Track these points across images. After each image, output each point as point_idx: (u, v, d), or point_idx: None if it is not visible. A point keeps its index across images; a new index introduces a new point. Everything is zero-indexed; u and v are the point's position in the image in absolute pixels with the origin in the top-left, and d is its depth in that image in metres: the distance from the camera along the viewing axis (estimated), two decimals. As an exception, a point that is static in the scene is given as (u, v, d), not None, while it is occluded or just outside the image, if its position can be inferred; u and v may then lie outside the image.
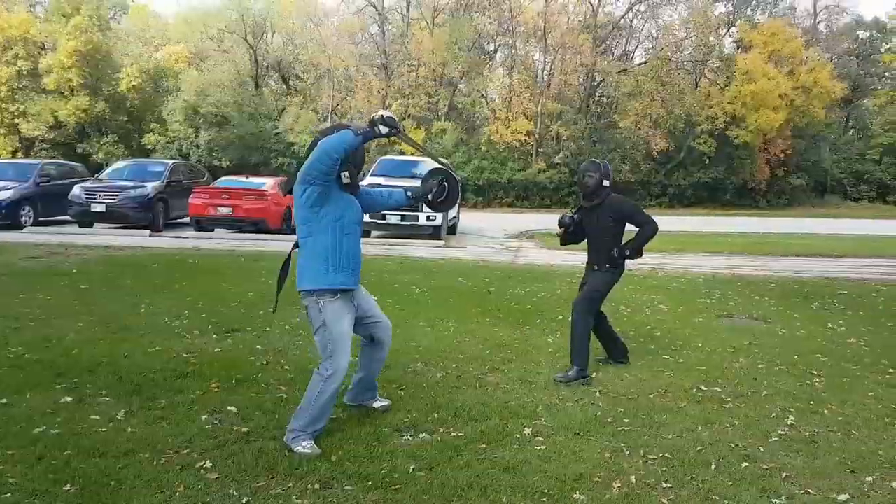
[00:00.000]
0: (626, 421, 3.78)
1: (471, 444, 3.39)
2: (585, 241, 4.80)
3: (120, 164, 15.35)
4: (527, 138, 28.23)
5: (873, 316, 6.86)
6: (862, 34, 38.29)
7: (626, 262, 4.67)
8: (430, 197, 3.80)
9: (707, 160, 28.53)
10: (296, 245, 3.35)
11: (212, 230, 12.85)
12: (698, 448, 3.43)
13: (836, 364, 5.06)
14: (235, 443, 3.34)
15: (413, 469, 3.09)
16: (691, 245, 12.71)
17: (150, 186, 13.19)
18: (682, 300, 7.34)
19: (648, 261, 10.53)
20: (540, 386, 4.36)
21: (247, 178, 14.47)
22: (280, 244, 11.58)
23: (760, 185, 29.63)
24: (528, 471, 3.13)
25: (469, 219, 19.48)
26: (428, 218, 12.38)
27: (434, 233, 12.60)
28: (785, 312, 6.89)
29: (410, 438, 3.46)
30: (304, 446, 3.21)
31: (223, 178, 15.23)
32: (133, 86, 29.56)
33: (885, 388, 4.50)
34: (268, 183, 13.32)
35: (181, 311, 6.16)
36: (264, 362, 4.66)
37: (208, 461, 3.12)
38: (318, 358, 3.46)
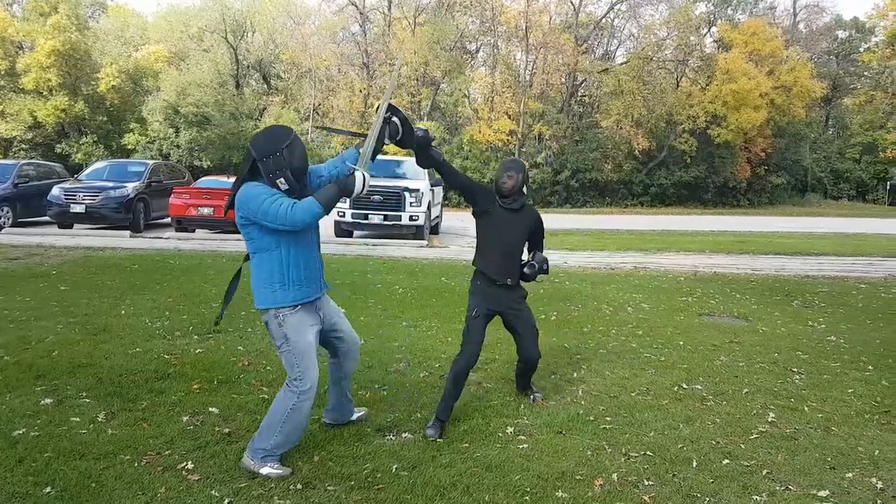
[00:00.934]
0: (608, 419, 3.81)
1: (453, 444, 3.40)
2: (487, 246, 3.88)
3: (99, 164, 15.13)
4: (509, 138, 28.30)
5: (852, 313, 6.97)
6: (841, 34, 38.92)
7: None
8: (387, 140, 3.27)
9: (688, 159, 28.80)
10: (247, 257, 3.16)
11: (193, 231, 12.71)
12: (679, 445, 3.46)
13: (816, 361, 5.13)
14: (217, 444, 3.32)
15: (396, 469, 3.09)
16: (672, 244, 12.82)
17: (130, 187, 13.01)
18: (664, 299, 7.40)
19: (629, 259, 10.64)
20: (523, 385, 4.37)
21: (228, 178, 14.34)
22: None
23: (741, 184, 29.98)
24: (510, 469, 3.14)
25: (452, 218, 19.48)
26: (411, 218, 12.36)
27: (417, 232, 12.57)
28: (766, 310, 6.97)
29: (393, 438, 3.46)
30: (273, 467, 3.00)
31: (204, 178, 15.08)
32: (112, 86, 29.15)
33: (865, 385, 4.57)
34: (250, 183, 13.22)
35: (162, 312, 6.10)
36: (246, 363, 4.62)
37: (190, 462, 3.10)
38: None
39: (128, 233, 12.39)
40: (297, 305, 3.05)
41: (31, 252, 9.72)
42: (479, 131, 28.01)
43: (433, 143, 3.59)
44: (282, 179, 2.94)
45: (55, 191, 12.80)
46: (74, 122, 29.47)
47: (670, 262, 10.59)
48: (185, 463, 3.09)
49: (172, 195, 12.52)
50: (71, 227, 12.98)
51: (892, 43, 34.36)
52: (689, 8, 30.06)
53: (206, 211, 12.17)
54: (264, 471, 3.00)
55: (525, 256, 4.00)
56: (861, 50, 36.86)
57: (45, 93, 28.77)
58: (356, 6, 29.54)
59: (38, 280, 7.56)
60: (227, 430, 3.47)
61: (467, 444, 3.40)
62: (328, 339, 3.38)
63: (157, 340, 5.20)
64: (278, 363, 4.63)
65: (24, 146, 29.05)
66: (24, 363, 4.46)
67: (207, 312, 6.17)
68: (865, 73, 35.81)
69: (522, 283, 3.97)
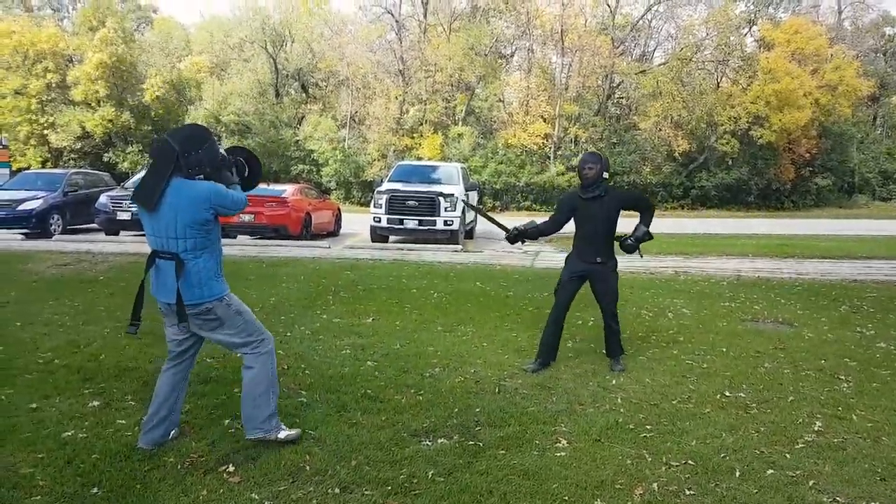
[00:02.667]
0: (648, 427, 3.74)
1: (490, 450, 3.39)
2: (581, 234, 4.74)
3: (144, 172, 15.59)
4: (544, 141, 28.13)
5: (903, 319, 6.70)
6: (889, 30, 37.56)
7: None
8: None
9: (730, 161, 28.15)
10: (151, 262, 3.23)
11: (234, 237, 12.98)
12: (722, 455, 3.38)
13: (865, 369, 4.95)
14: (256, 447, 3.37)
15: (432, 474, 3.09)
16: (714, 247, 12.53)
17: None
18: (705, 304, 7.24)
19: (670, 264, 10.43)
20: (559, 391, 4.33)
21: (268, 185, 14.62)
22: (301, 250, 11.68)
23: (785, 186, 29.14)
24: (548, 477, 3.11)
25: (487, 223, 19.45)
26: (445, 223, 12.39)
27: (451, 237, 12.59)
28: (812, 316, 6.76)
29: (430, 444, 3.46)
30: (285, 430, 3.37)
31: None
32: (157, 96, 30.08)
33: (916, 393, 4.39)
34: (288, 190, 13.45)
35: (204, 318, 6.24)
36: (285, 367, 4.69)
37: (231, 465, 3.16)
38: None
39: (171, 239, 12.71)
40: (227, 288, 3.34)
41: (79, 258, 10.07)
42: (514, 135, 27.92)
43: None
44: (200, 176, 3.12)
45: (102, 199, 13.24)
46: (121, 132, 30.50)
47: (712, 266, 10.36)
48: (226, 466, 3.15)
49: (214, 202, 12.81)
50: (118, 233, 13.40)
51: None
52: (729, 7, 29.42)
53: (246, 218, 12.43)
54: (282, 435, 3.32)
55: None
56: (911, 46, 35.54)
57: (93, 104, 29.86)
58: (392, 14, 29.81)
59: (87, 285, 7.83)
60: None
61: (504, 451, 3.38)
62: (192, 352, 3.51)
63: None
64: (316, 367, 4.70)
65: (73, 156, 30.18)
66: (72, 366, 4.63)
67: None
68: (916, 70, 34.49)
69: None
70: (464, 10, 31.14)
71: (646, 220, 4.73)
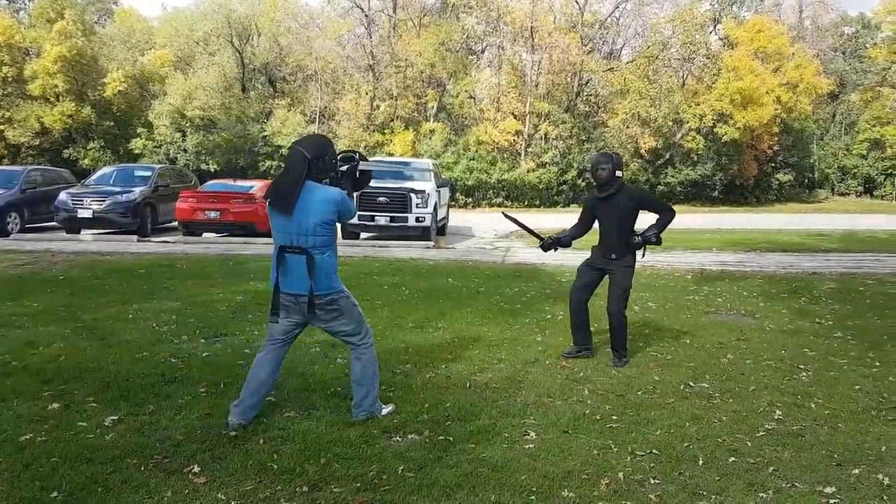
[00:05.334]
0: (615, 418, 3.80)
1: (460, 444, 3.40)
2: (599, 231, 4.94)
3: (107, 169, 15.23)
4: (515, 138, 28.27)
5: (860, 310, 6.92)
6: (847, 30, 38.68)
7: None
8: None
9: (695, 157, 28.69)
10: (280, 258, 3.52)
11: (200, 234, 12.79)
12: (686, 444, 3.45)
13: (824, 358, 5.10)
14: (224, 446, 3.33)
15: (402, 470, 3.09)
16: (679, 242, 12.75)
17: (138, 191, 13.09)
18: (670, 297, 7.37)
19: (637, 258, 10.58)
20: (529, 384, 4.37)
21: (234, 181, 14.42)
22: (269, 247, 11.51)
23: (749, 182, 29.84)
24: (516, 469, 3.14)
25: (459, 219, 19.49)
26: (417, 219, 12.38)
27: (423, 234, 12.58)
28: (772, 308, 6.94)
29: (400, 440, 3.46)
30: (385, 407, 3.77)
31: (211, 181, 15.17)
32: (119, 91, 29.37)
33: (872, 382, 4.54)
34: (256, 186, 13.26)
35: (169, 316, 6.13)
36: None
37: (196, 465, 3.11)
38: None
39: (135, 237, 12.47)
40: None
41: (38, 257, 9.80)
42: (486, 132, 28.00)
43: None
44: (326, 181, 3.48)
45: (62, 196, 12.90)
46: (81, 128, 29.71)
47: (677, 260, 10.55)
48: (191, 466, 3.11)
49: (179, 199, 12.60)
50: (78, 232, 13.08)
51: (898, 38, 34.16)
52: (694, 5, 29.95)
53: (212, 214, 12.24)
54: (384, 411, 3.73)
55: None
56: (868, 46, 36.61)
57: (51, 99, 29.02)
58: (361, 8, 29.58)
59: (46, 285, 7.62)
60: (233, 434, 3.49)
61: (473, 445, 3.40)
62: (294, 331, 3.75)
63: (163, 344, 5.23)
64: (285, 365, 4.59)
65: (31, 152, 29.32)
66: (31, 368, 4.50)
67: (214, 316, 6.20)
68: (872, 69, 35.53)
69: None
70: (434, 6, 31.09)
71: (660, 223, 4.78)
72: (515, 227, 5.24)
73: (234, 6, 30.10)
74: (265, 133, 28.49)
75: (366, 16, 29.70)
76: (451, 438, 3.46)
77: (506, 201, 28.25)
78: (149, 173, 14.05)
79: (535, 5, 28.23)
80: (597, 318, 6.12)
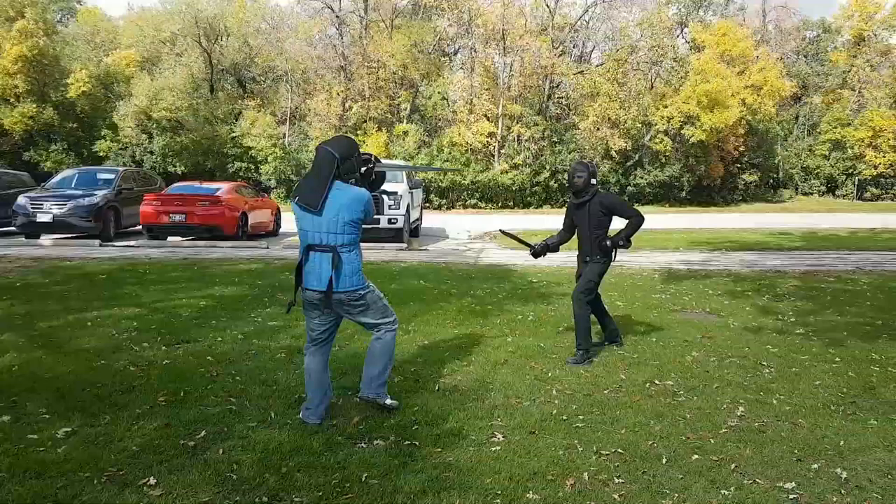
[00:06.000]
0: (581, 417, 3.80)
1: (426, 449, 3.36)
2: (576, 236, 5.25)
3: (68, 172, 14.84)
4: (488, 140, 28.37)
5: (821, 306, 7.07)
6: (809, 34, 39.66)
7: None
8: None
9: (664, 159, 29.13)
10: (306, 256, 3.64)
11: (165, 238, 12.52)
12: (650, 442, 3.46)
13: (786, 355, 5.18)
14: (181, 457, 3.23)
15: (366, 477, 3.03)
16: (647, 242, 12.91)
17: (100, 195, 12.77)
18: (638, 296, 7.44)
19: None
20: (497, 386, 4.35)
21: (201, 183, 14.17)
22: (237, 251, 11.36)
23: (715, 182, 30.40)
24: (482, 472, 3.11)
25: (433, 220, 19.47)
26: (389, 220, 12.30)
27: (396, 235, 12.51)
28: (737, 305, 7.04)
29: (365, 446, 3.40)
30: (390, 399, 3.81)
31: (176, 184, 14.89)
32: (83, 91, 28.71)
33: (832, 377, 4.62)
34: (222, 188, 13.04)
35: (130, 323, 5.97)
36: (214, 374, 4.53)
37: (152, 478, 3.01)
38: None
39: (97, 242, 12.15)
40: None
41: (-4, 263, 9.49)
42: (459, 133, 28.04)
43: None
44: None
45: (21, 200, 12.52)
46: (43, 130, 28.96)
47: (646, 259, 10.67)
48: (146, 478, 3.01)
49: (143, 202, 12.32)
50: (38, 237, 12.71)
51: (857, 42, 35.15)
52: (662, 9, 30.42)
53: (178, 218, 12.00)
54: (387, 402, 3.76)
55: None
56: (829, 50, 37.59)
57: (11, 99, 28.22)
58: (332, 9, 29.37)
59: (2, 292, 7.37)
60: (192, 444, 3.39)
61: (440, 449, 3.36)
62: (330, 326, 3.82)
63: (123, 352, 5.08)
64: (248, 372, 4.55)
65: (-10, 155, 28.48)
66: (-18, 378, 4.33)
67: (177, 322, 6.05)
68: (833, 73, 36.50)
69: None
70: (405, 7, 31.04)
71: (629, 228, 5.05)
72: (490, 229, 5.35)
73: (201, 6, 29.64)
74: (234, 134, 28.12)
75: (336, 16, 29.49)
76: (417, 443, 3.42)
77: (480, 202, 28.33)
78: (112, 176, 13.73)
79: (507, 8, 28.40)
80: (566, 318, 6.15)
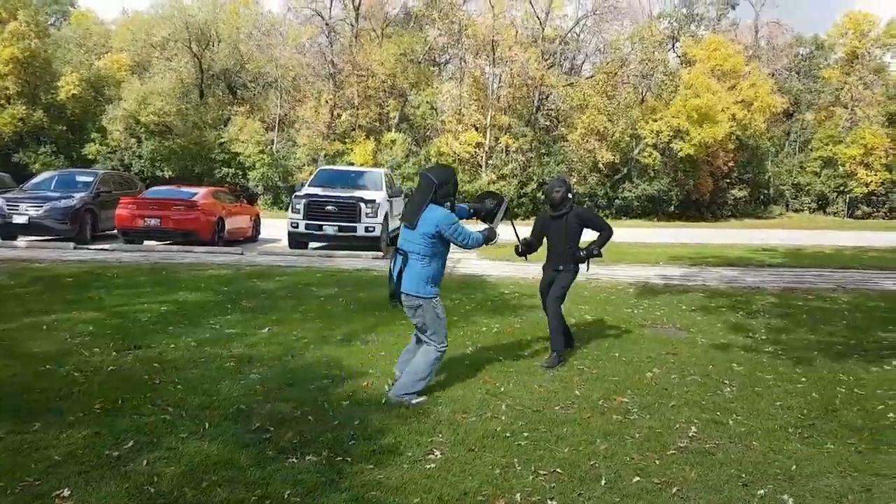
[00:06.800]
0: (525, 434, 3.68)
1: (358, 465, 3.23)
2: (546, 247, 5.46)
3: (47, 174, 14.69)
4: (476, 150, 28.35)
5: (794, 325, 6.96)
6: (802, 50, 39.93)
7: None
8: (483, 213, 4.67)
9: (652, 173, 29.13)
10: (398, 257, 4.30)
11: (141, 242, 12.35)
12: (592, 462, 3.34)
13: (750, 374, 5.07)
14: (103, 468, 3.11)
15: (288, 495, 2.91)
16: (629, 256, 12.84)
17: (77, 197, 12.62)
18: (609, 310, 7.34)
19: (582, 271, 10.55)
20: (446, 400, 4.23)
21: (178, 187, 14.03)
22: (211, 256, 11.20)
23: (704, 197, 30.41)
24: (412, 490, 2.99)
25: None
26: (367, 229, 12.18)
27: (373, 244, 12.38)
28: (709, 322, 6.94)
29: (296, 461, 3.27)
30: (419, 397, 4.17)
31: (154, 188, 14.74)
32: (73, 94, 28.60)
33: (794, 398, 4.52)
34: (200, 193, 12.89)
35: (86, 327, 5.83)
36: (156, 382, 4.39)
37: (67, 489, 2.89)
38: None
39: (72, 245, 11.98)
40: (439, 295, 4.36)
41: (-38, 265, 9.32)
42: (447, 143, 28.01)
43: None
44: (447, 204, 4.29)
45: (-2, 201, 12.35)
46: (33, 132, 28.78)
47: (624, 273, 10.57)
48: (62, 490, 2.88)
49: (119, 206, 12.17)
50: (14, 238, 12.53)
51: (850, 60, 35.39)
52: (653, 23, 30.59)
53: (153, 222, 11.84)
54: (415, 401, 4.12)
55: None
56: (821, 67, 37.83)
57: (1, 101, 28.06)
58: (322, 16, 29.38)
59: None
60: (116, 454, 3.26)
61: (372, 466, 3.23)
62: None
63: (71, 357, 4.94)
64: (191, 381, 4.41)
65: (-22, 156, 28.27)
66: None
67: (134, 327, 5.91)
68: (825, 90, 36.71)
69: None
70: (397, 16, 31.09)
71: (601, 240, 5.33)
72: None
73: (193, 12, 29.61)
74: (222, 139, 28.01)
75: (326, 24, 29.49)
76: (349, 459, 3.29)
77: (467, 213, 28.22)
78: (90, 179, 13.57)
79: (497, 19, 28.47)
80: (530, 331, 6.03)
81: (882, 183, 33.05)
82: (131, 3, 60.63)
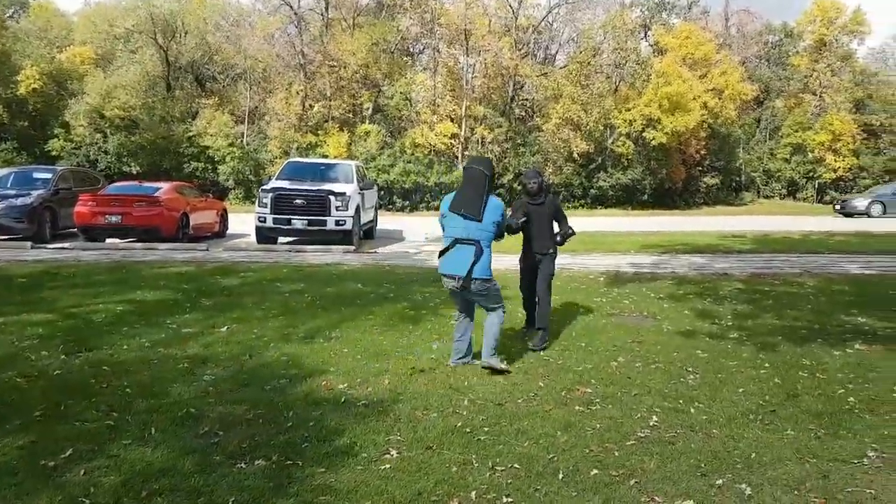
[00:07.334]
0: (486, 429, 3.60)
1: (309, 468, 3.12)
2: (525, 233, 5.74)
3: (2, 171, 14.20)
4: (452, 141, 28.17)
5: (760, 310, 6.99)
6: (771, 38, 40.32)
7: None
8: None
9: (626, 162, 29.23)
10: (451, 247, 4.65)
11: (103, 240, 12.01)
12: (551, 456, 3.27)
13: (714, 360, 5.06)
14: (35, 479, 2.95)
15: (232, 502, 2.78)
16: (602, 245, 12.85)
17: (35, 195, 12.21)
18: (578, 299, 7.29)
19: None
20: (408, 397, 4.13)
21: (140, 183, 13.68)
22: (174, 252, 10.91)
23: (677, 185, 30.60)
24: (364, 493, 2.89)
25: (393, 223, 19.19)
26: (337, 222, 11.98)
27: (344, 237, 12.19)
28: (676, 309, 6.93)
29: (244, 466, 3.14)
30: (501, 361, 4.65)
31: (115, 184, 14.34)
32: (34, 88, 27.73)
33: (756, 384, 4.50)
34: (163, 188, 12.55)
35: (36, 330, 5.61)
36: (105, 385, 4.22)
37: (-4, 504, 2.72)
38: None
39: (29, 244, 11.61)
40: None
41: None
42: (422, 135, 27.78)
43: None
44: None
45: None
46: (-9, 128, 27.90)
47: (595, 262, 10.56)
48: (-9, 504, 2.72)
49: (78, 203, 11.80)
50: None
51: (818, 47, 35.84)
52: (625, 12, 30.60)
53: (114, 219, 11.51)
54: (503, 365, 4.60)
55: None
56: (791, 54, 38.26)
57: (-42, 97, 27.16)
58: (290, 6, 28.85)
59: None
60: (53, 464, 3.10)
61: (324, 469, 3.11)
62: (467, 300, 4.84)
63: (17, 362, 4.74)
64: (142, 383, 4.25)
65: (-66, 153, 27.30)
66: None
67: (87, 329, 5.71)
68: (795, 77, 37.14)
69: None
70: (368, 6, 30.69)
71: (565, 224, 5.86)
72: None
73: (157, 2, 28.84)
74: (191, 133, 27.42)
75: (295, 14, 28.97)
76: (300, 462, 3.17)
77: (443, 204, 28.06)
78: (49, 175, 13.15)
79: (470, 8, 28.25)
80: (509, 317, 5.94)
81: (850, 168, 33.59)
82: (95, -5, 58.95)
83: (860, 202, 25.58)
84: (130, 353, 4.98)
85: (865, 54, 38.82)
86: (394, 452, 3.30)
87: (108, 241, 12.17)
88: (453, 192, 4.82)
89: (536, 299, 5.68)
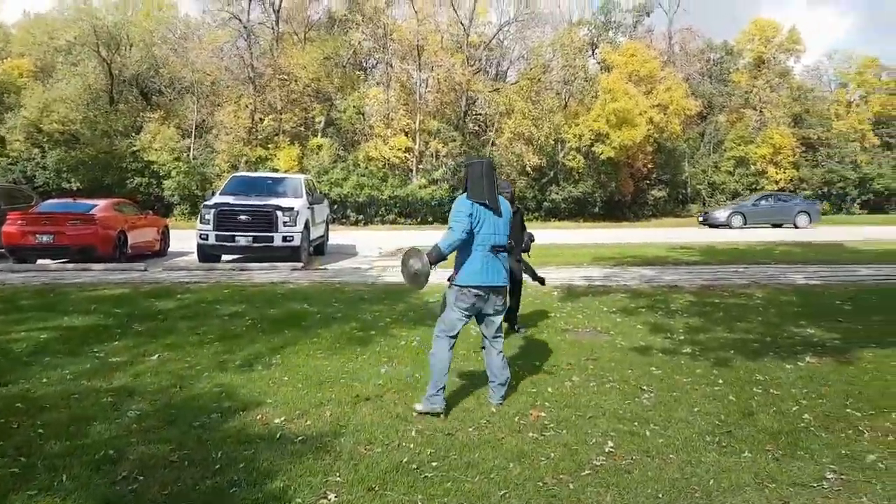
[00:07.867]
0: (434, 464, 3.37)
1: (236, 517, 2.82)
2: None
3: (-79, 189, 13.30)
4: (406, 155, 28.03)
5: (712, 323, 6.98)
6: (713, 56, 41.78)
7: None
8: None
9: (577, 175, 29.66)
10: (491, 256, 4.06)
11: (34, 261, 11.31)
12: (503, 492, 3.07)
13: (668, 377, 4.97)
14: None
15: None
16: (555, 258, 12.82)
17: (-45, 215, 11.45)
18: (533, 317, 7.16)
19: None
20: (351, 430, 3.86)
21: (74, 200, 12.99)
22: (110, 274, 10.33)
23: (626, 198, 31.22)
24: (297, 545, 2.61)
25: (346, 237, 18.83)
26: (284, 238, 11.58)
27: (293, 254, 11.79)
28: (628, 323, 6.87)
29: (164, 515, 2.83)
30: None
31: (47, 201, 13.59)
32: (-34, 101, 26.38)
33: (712, 402, 4.41)
34: (98, 205, 11.91)
35: (-57, 364, 5.10)
36: (15, 425, 3.82)
37: None
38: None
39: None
40: None
41: None
42: (376, 148, 27.55)
43: None
44: None
45: None
46: (-82, 143, 26.35)
47: (548, 276, 10.39)
48: None
49: (6, 222, 11.08)
50: None
51: (757, 65, 37.31)
52: (573, 30, 31.18)
53: (45, 238, 10.84)
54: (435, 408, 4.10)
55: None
56: (731, 71, 39.69)
57: None
58: (239, 20, 28.32)
59: None
60: None
61: (253, 517, 2.83)
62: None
63: (-84, 401, 4.26)
64: (58, 421, 3.86)
65: None
66: None
67: (2, 359, 5.24)
68: (735, 93, 38.50)
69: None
70: (319, 20, 30.39)
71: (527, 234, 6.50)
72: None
73: (101, 14, 27.88)
74: (135, 148, 26.48)
75: (245, 27, 28.45)
76: (229, 509, 2.88)
77: (399, 218, 27.88)
78: (-27, 193, 12.36)
79: (422, 24, 28.29)
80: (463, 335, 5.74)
81: (790, 180, 34.93)
82: (33, 5, 56.96)
83: (721, 214, 26.31)
84: (50, 386, 4.56)
85: (801, 71, 40.59)
86: (332, 496, 3.04)
87: (39, 262, 11.47)
88: (463, 195, 4.09)
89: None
